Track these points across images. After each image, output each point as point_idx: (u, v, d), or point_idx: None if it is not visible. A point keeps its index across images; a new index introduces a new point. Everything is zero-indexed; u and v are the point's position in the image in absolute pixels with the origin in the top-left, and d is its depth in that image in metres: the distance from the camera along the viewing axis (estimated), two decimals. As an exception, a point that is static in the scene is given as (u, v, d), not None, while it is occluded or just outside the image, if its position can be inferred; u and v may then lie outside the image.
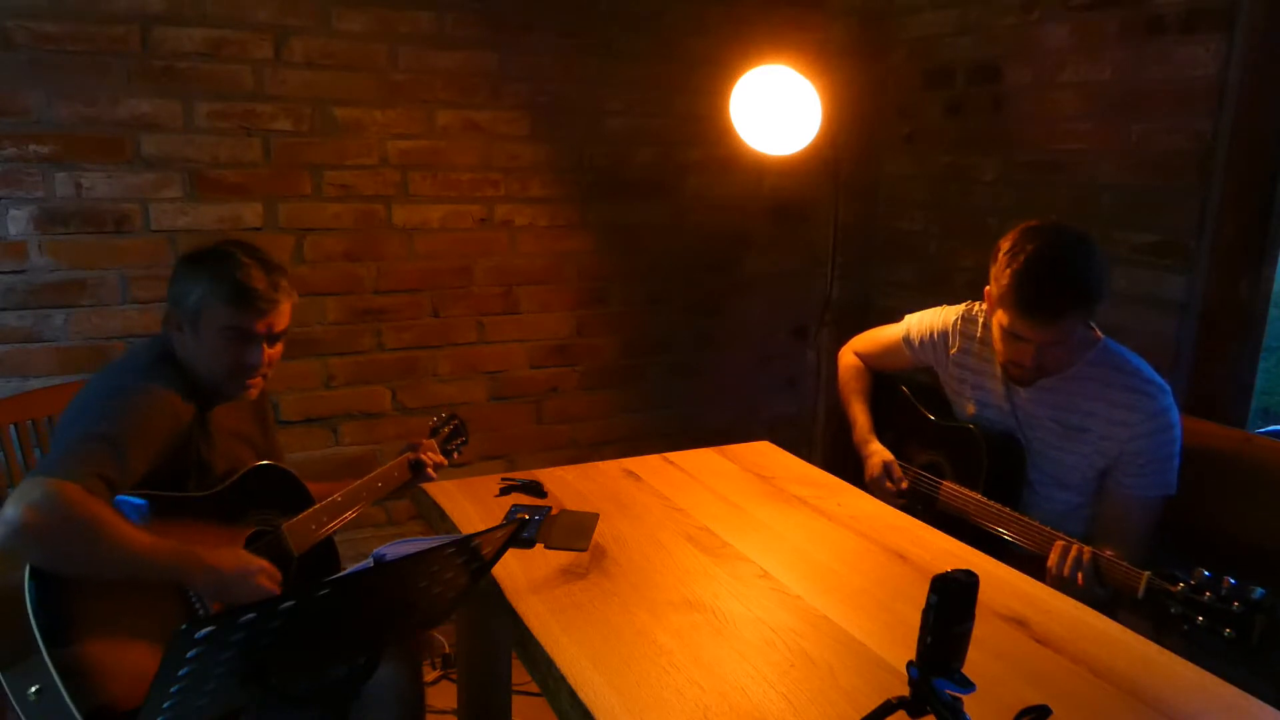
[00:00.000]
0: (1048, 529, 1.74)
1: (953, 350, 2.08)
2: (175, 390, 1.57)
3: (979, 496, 1.90)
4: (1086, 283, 1.72)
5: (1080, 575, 1.60)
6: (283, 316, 1.64)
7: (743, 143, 2.49)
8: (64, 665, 1.34)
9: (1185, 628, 1.42)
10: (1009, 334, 1.80)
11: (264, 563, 1.52)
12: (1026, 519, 1.80)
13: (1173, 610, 1.44)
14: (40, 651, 1.33)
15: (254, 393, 1.67)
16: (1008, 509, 1.84)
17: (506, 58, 2.69)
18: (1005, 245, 1.79)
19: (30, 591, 1.34)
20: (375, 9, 2.51)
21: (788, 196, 3.19)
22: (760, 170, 3.10)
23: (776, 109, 2.38)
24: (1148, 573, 1.51)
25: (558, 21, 2.73)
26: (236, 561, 1.49)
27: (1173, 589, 1.45)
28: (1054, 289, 1.71)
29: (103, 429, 1.45)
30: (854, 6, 3.11)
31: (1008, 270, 1.75)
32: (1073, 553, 1.64)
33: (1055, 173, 2.54)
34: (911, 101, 3.04)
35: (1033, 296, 1.72)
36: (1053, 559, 1.67)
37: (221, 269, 1.58)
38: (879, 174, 3.19)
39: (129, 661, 1.41)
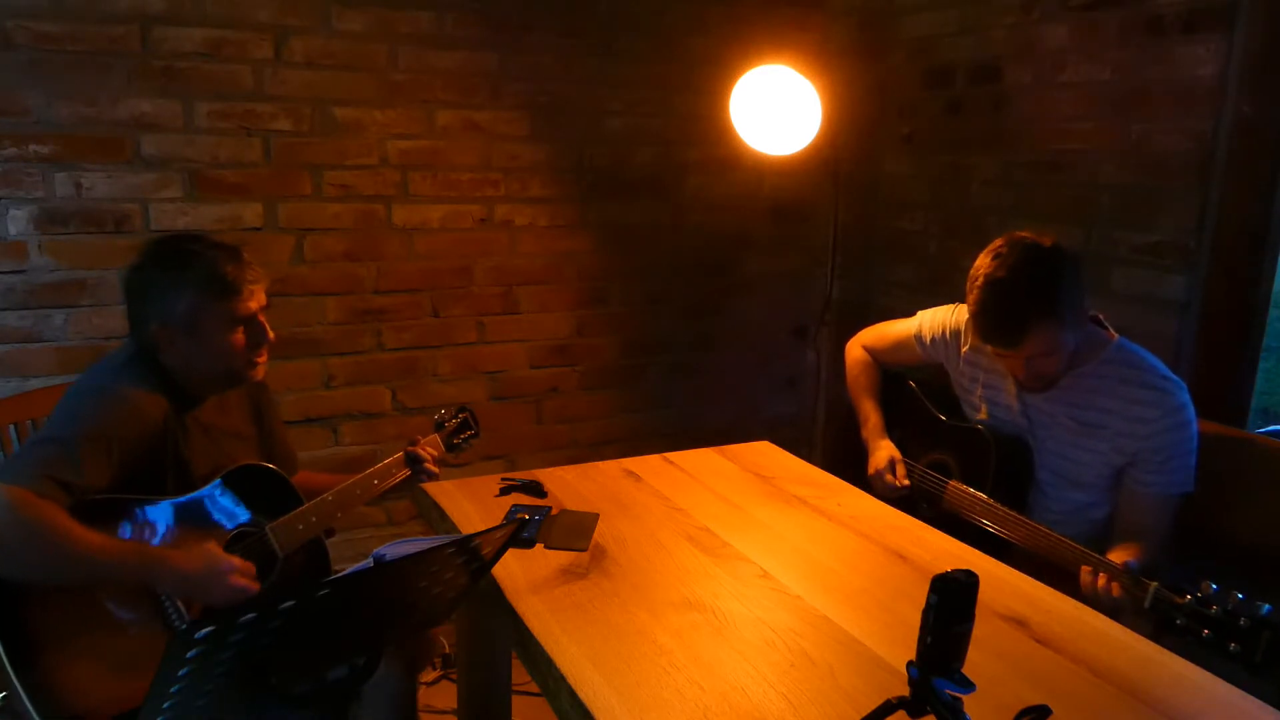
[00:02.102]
0: (1055, 534, 1.74)
1: (964, 348, 2.09)
2: (143, 391, 1.56)
3: (985, 497, 1.90)
4: (1042, 297, 1.74)
5: (1117, 591, 1.58)
6: (262, 290, 1.67)
7: (743, 143, 2.49)
8: (31, 676, 1.32)
9: (1189, 640, 1.42)
10: (994, 352, 1.87)
11: (236, 560, 1.48)
12: (1032, 523, 1.80)
13: (1178, 622, 1.44)
14: (3, 663, 1.31)
15: (261, 371, 1.68)
16: (1013, 511, 1.84)
17: (506, 58, 2.69)
18: (974, 267, 1.83)
19: None
20: (375, 9, 2.51)
21: (788, 196, 3.19)
22: (760, 170, 3.10)
23: (776, 109, 2.38)
24: (1154, 583, 1.51)
25: (558, 21, 2.73)
26: (205, 561, 1.45)
27: (1179, 601, 1.45)
28: (1005, 313, 1.76)
29: (59, 433, 1.45)
30: (854, 6, 3.11)
31: (970, 297, 1.82)
32: (1101, 581, 1.61)
33: (1055, 173, 2.54)
34: (911, 101, 3.04)
35: (988, 324, 1.79)
36: (1085, 582, 1.64)
37: (198, 272, 1.57)
38: (879, 174, 3.19)
39: (100, 674, 1.39)
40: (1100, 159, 2.40)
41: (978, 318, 1.81)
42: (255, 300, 1.63)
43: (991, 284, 1.77)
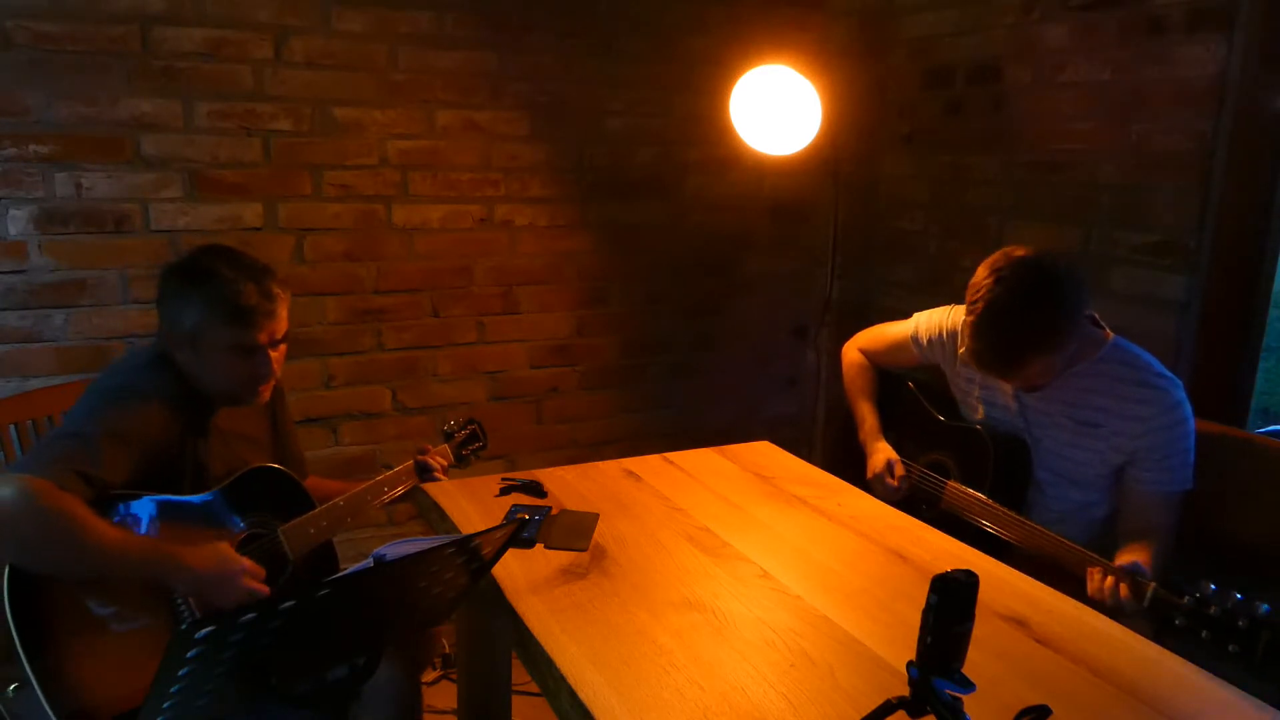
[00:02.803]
0: (1052, 533, 1.75)
1: (961, 349, 2.09)
2: (163, 393, 1.55)
3: (984, 497, 1.90)
4: (1043, 332, 1.72)
5: (1124, 593, 1.57)
6: (282, 322, 1.63)
7: (743, 143, 2.49)
8: (44, 668, 1.32)
9: (1188, 641, 1.42)
10: None
11: (247, 562, 1.49)
12: (1031, 522, 1.80)
13: (1178, 623, 1.43)
14: (18, 652, 1.32)
15: (266, 396, 1.67)
16: (1012, 511, 1.84)
17: (506, 58, 2.69)
18: (974, 281, 1.78)
19: (8, 592, 1.34)
20: (375, 9, 2.51)
21: (788, 196, 3.19)
22: (760, 170, 3.10)
23: (776, 109, 2.38)
24: (1153, 584, 1.51)
25: (558, 21, 2.73)
26: (217, 561, 1.45)
27: (1178, 601, 1.44)
28: (1004, 347, 1.73)
29: (80, 428, 1.45)
30: (854, 6, 3.11)
31: (967, 319, 1.78)
32: (1109, 583, 1.60)
33: (1055, 173, 2.54)
34: (911, 101, 3.04)
35: (985, 356, 1.76)
36: (1093, 587, 1.63)
37: (211, 291, 1.55)
38: (879, 174, 3.19)
39: (112, 669, 1.39)
40: (1100, 159, 2.41)
41: (973, 344, 1.76)
42: (266, 334, 1.59)
43: (990, 315, 1.72)
